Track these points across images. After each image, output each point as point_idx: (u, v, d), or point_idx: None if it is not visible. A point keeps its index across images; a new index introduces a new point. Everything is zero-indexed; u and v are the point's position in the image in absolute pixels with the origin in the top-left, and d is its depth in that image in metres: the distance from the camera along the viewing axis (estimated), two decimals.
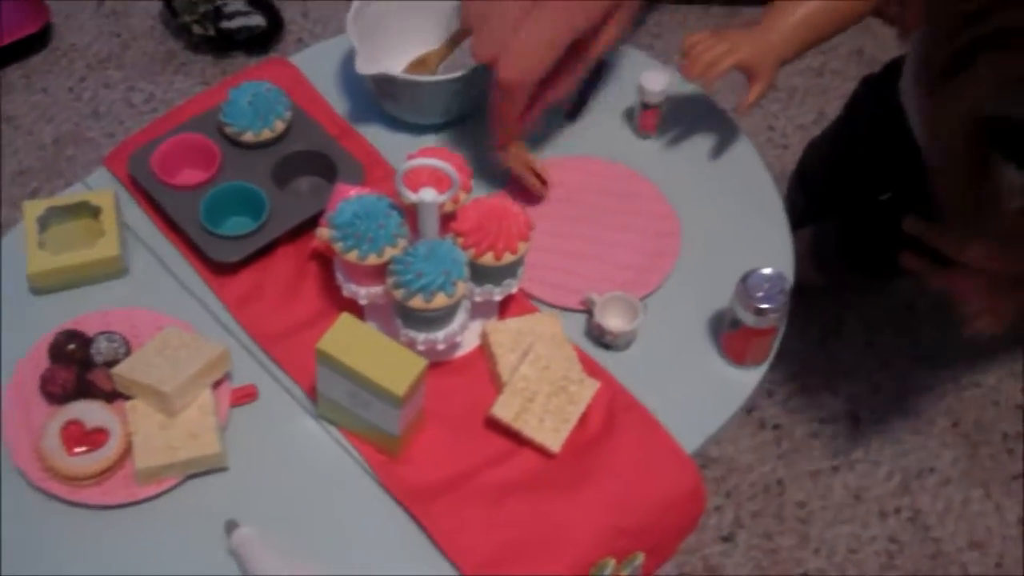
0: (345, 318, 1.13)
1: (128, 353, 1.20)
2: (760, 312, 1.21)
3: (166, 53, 2.25)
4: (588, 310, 1.29)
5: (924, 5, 1.05)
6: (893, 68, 1.54)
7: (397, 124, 1.45)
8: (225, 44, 2.26)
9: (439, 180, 1.19)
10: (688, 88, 1.49)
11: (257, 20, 2.23)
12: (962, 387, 1.91)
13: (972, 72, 0.95)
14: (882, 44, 2.22)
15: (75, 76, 2.22)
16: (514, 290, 1.25)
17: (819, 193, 1.84)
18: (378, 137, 1.44)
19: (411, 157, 1.19)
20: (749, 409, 1.85)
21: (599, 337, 1.28)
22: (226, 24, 2.22)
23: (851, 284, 1.91)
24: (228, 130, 1.36)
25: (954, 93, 0.98)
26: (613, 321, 1.28)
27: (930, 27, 1.04)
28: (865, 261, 1.75)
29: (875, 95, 1.64)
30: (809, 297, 1.94)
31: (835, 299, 1.95)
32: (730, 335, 1.27)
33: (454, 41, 1.45)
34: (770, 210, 1.41)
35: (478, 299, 1.24)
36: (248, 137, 1.36)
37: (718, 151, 1.46)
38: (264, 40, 2.26)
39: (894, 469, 1.82)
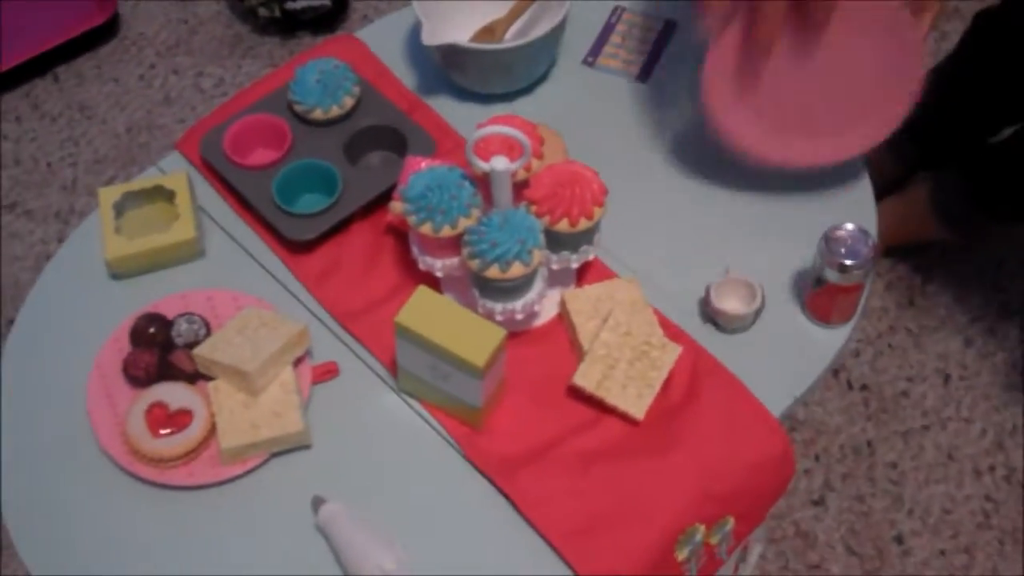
0: (422, 291, 1.12)
1: (208, 334, 1.20)
2: (845, 269, 1.18)
3: (233, 37, 2.26)
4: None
5: None
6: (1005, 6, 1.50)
7: (466, 94, 1.43)
8: (291, 25, 2.25)
9: (510, 148, 1.17)
10: None
11: (322, 0, 2.22)
12: None
13: None
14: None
15: (145, 64, 2.23)
16: (591, 256, 1.23)
17: (932, 141, 1.79)
18: (447, 108, 1.42)
19: (481, 126, 1.17)
20: (836, 370, 1.81)
21: (713, 319, 1.25)
22: (291, 5, 2.22)
23: (980, 233, 1.83)
24: (297, 108, 1.35)
25: None
26: (730, 303, 1.24)
27: None
28: (1002, 203, 1.69)
29: (997, 25, 1.60)
30: (894, 255, 1.90)
31: (920, 255, 1.90)
32: (815, 293, 1.24)
33: (520, 8, 1.42)
34: (851, 165, 1.37)
35: (555, 267, 1.22)
36: (317, 114, 1.35)
37: None
38: (330, 19, 2.26)
39: (987, 426, 1.77)
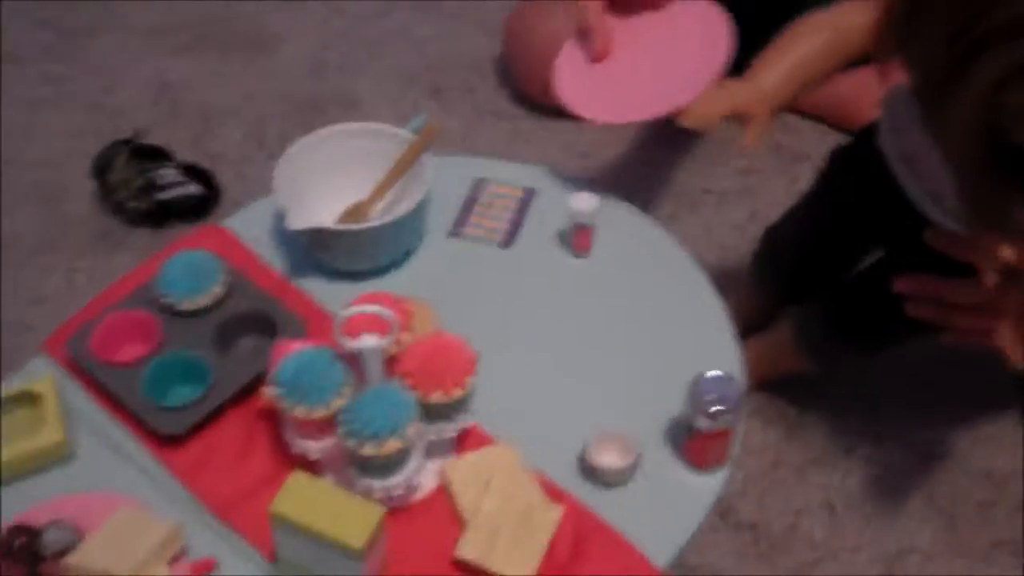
0: (295, 476, 1.10)
1: (79, 540, 1.16)
2: (713, 416, 1.19)
3: (104, 231, 2.24)
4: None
5: (911, 27, 1.06)
6: (863, 134, 1.55)
7: (336, 274, 1.44)
8: (163, 215, 2.25)
9: (379, 325, 1.17)
10: (619, 204, 1.49)
11: (193, 189, 2.22)
12: (931, 459, 1.88)
13: (977, 67, 0.96)
14: (802, 138, 2.25)
15: (13, 265, 2.20)
16: (468, 424, 1.23)
17: (793, 276, 1.83)
18: (318, 289, 1.42)
19: (349, 305, 1.17)
20: (723, 511, 1.81)
21: (591, 475, 1.24)
22: (162, 196, 2.21)
23: (844, 363, 1.87)
24: (165, 301, 1.34)
25: (961, 94, 0.99)
26: (607, 459, 1.24)
27: (921, 47, 1.05)
28: (862, 334, 1.72)
29: (852, 159, 1.65)
30: (770, 389, 1.93)
31: (795, 389, 1.93)
32: (688, 441, 1.24)
33: (384, 186, 1.44)
34: (713, 313, 1.40)
35: (432, 438, 1.22)
36: (186, 305, 1.34)
37: (655, 261, 1.45)
38: (202, 207, 2.26)
39: (875, 554, 1.78)
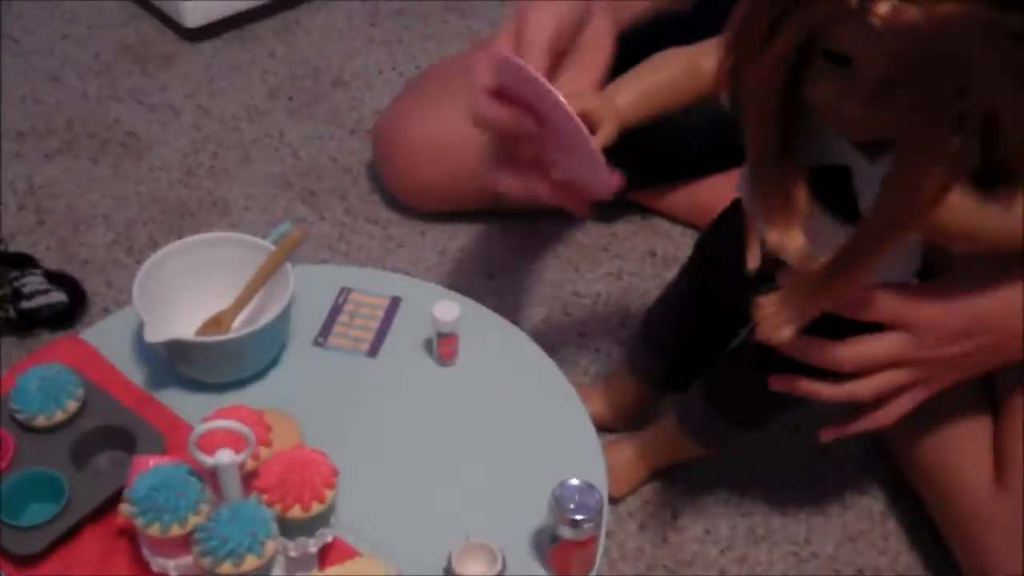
0: None
1: None
2: (576, 524, 1.22)
3: None
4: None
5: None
6: (722, 215, 1.60)
7: (198, 385, 1.44)
8: (28, 324, 2.21)
9: (237, 439, 1.18)
10: (484, 312, 1.53)
11: (58, 296, 2.20)
12: (803, 560, 1.92)
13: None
14: (675, 243, 2.31)
15: None
16: (329, 539, 1.23)
17: (669, 359, 1.86)
18: (178, 401, 1.42)
19: (205, 420, 1.17)
20: None
21: None
22: (26, 304, 2.18)
23: (730, 440, 1.90)
24: (19, 417, 1.33)
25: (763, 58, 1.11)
26: (472, 569, 1.25)
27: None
28: (738, 409, 1.75)
29: (715, 239, 1.69)
30: (646, 492, 1.96)
31: (669, 487, 1.96)
32: (553, 550, 1.26)
33: (245, 297, 1.45)
34: (577, 420, 1.43)
35: (293, 554, 1.22)
36: (40, 421, 1.33)
37: (519, 369, 1.48)
38: (69, 314, 2.23)
39: None
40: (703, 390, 1.80)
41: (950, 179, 1.11)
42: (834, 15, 1.04)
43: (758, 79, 1.15)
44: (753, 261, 1.30)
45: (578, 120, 1.24)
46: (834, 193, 1.23)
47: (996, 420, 1.73)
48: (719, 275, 1.70)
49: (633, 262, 2.28)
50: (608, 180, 1.29)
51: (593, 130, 1.32)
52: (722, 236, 1.67)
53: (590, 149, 1.27)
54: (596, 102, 1.35)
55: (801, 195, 1.21)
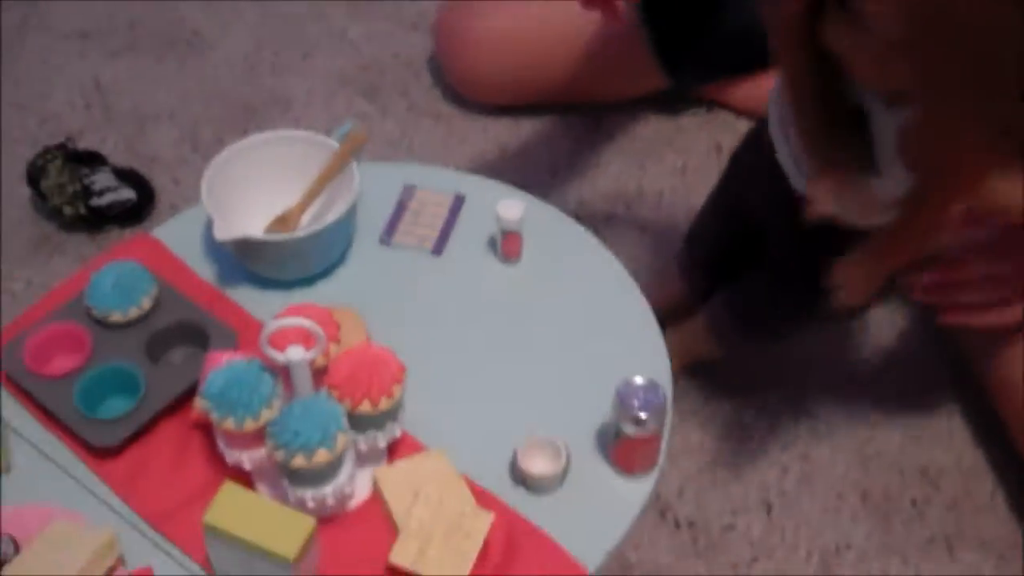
0: (228, 487, 1.14)
1: (17, 553, 1.20)
2: (639, 422, 1.25)
3: (40, 237, 2.26)
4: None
5: None
6: (760, 121, 1.60)
7: (266, 282, 1.48)
8: (98, 221, 2.27)
9: (307, 337, 1.22)
10: (548, 210, 1.54)
11: (127, 194, 2.25)
12: (866, 458, 1.95)
13: None
14: (740, 136, 2.30)
15: None
16: (398, 433, 1.27)
17: (708, 266, 1.89)
18: (248, 298, 1.46)
19: (277, 317, 1.21)
20: (661, 510, 1.87)
21: (522, 480, 1.29)
22: (97, 201, 2.24)
23: (752, 349, 1.93)
24: (95, 313, 1.38)
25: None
26: (537, 464, 1.29)
27: None
28: (761, 322, 1.78)
29: (746, 152, 1.70)
30: (707, 390, 1.99)
31: (732, 390, 1.99)
32: (616, 446, 1.30)
33: (312, 195, 1.48)
34: (640, 317, 1.45)
35: (363, 448, 1.26)
36: (116, 318, 1.37)
37: (583, 267, 1.50)
38: (138, 211, 2.28)
39: (812, 550, 1.85)
40: (726, 301, 1.82)
41: (991, 148, 1.07)
42: None
43: (783, 23, 1.14)
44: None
45: None
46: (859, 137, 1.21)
47: None
48: (749, 192, 1.71)
49: (698, 156, 2.28)
50: None
51: None
52: (752, 155, 1.67)
53: None
54: None
55: (840, 145, 1.21)
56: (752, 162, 1.64)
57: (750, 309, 1.77)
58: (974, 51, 1.00)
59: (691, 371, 1.95)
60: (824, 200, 1.24)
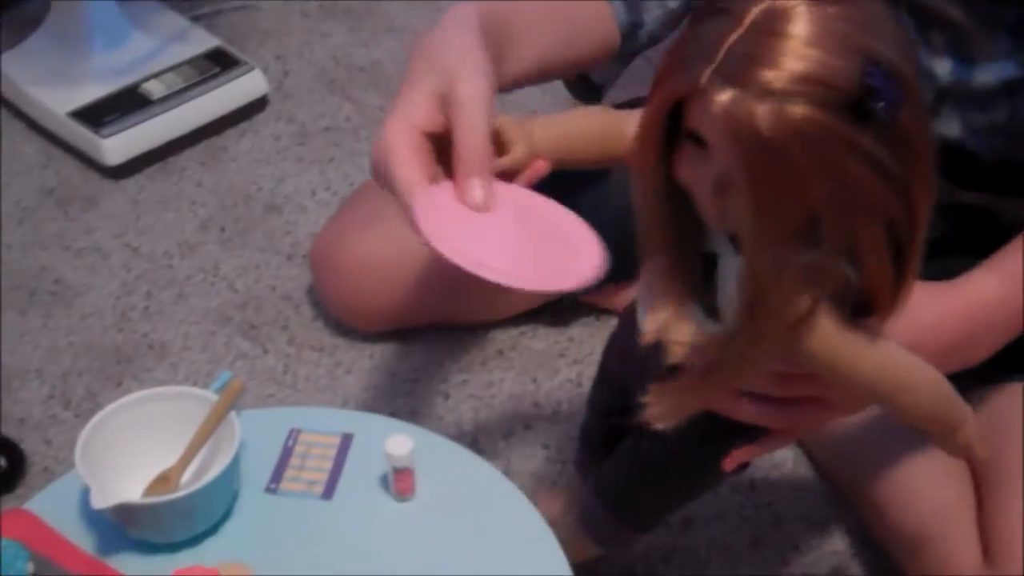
0: None
1: None
2: None
3: None
4: None
5: None
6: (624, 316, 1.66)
7: (150, 546, 1.49)
8: None
9: None
10: (440, 442, 1.59)
11: None
12: None
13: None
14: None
15: None
16: None
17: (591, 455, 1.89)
18: (132, 565, 1.47)
19: None
20: None
21: None
22: None
23: (627, 542, 1.92)
24: None
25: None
26: None
27: None
28: (631, 508, 1.76)
29: (618, 332, 1.73)
30: None
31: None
32: None
33: (191, 452, 1.51)
34: (546, 552, 1.48)
35: None
36: None
37: (482, 498, 1.54)
38: (9, 479, 2.27)
39: None
40: (594, 486, 1.81)
41: (813, 298, 1.13)
42: (690, 91, 1.07)
43: (635, 152, 1.20)
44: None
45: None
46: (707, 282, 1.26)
47: (980, 493, 1.79)
48: (623, 368, 1.74)
49: (592, 366, 2.33)
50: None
51: (503, 151, 1.33)
52: (621, 332, 1.72)
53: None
54: (511, 122, 1.35)
55: (684, 283, 1.27)
56: (621, 338, 1.67)
57: (624, 494, 1.73)
58: (798, 198, 1.06)
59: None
60: (655, 333, 1.29)
